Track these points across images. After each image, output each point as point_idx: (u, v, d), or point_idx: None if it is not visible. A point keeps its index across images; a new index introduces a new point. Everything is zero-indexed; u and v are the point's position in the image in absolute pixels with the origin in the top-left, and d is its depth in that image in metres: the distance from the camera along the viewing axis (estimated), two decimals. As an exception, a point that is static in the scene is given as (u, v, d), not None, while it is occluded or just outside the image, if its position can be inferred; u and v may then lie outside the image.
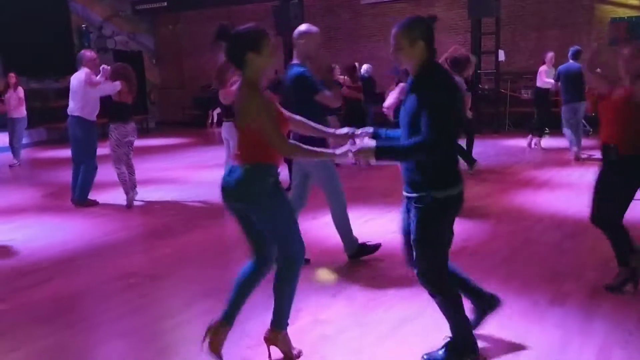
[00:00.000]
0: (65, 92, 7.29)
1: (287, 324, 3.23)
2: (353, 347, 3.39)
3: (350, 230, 4.87)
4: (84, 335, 3.71)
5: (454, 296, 3.13)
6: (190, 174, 9.58)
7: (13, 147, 11.55)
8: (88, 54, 7.40)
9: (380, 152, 2.95)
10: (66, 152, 13.03)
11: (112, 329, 3.79)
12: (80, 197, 7.37)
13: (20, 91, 11.30)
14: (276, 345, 3.22)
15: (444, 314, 3.16)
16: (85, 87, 7.08)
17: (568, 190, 7.31)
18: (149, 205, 7.36)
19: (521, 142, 11.85)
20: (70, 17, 16.28)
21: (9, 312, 4.14)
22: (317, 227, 5.77)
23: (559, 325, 3.57)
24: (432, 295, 3.11)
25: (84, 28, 16.55)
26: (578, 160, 9.38)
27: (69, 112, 7.28)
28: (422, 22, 2.99)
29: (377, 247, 4.95)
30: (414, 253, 3.05)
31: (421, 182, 2.97)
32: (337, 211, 4.80)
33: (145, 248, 5.65)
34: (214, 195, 7.59)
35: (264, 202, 3.04)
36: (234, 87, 7.44)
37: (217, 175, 8.96)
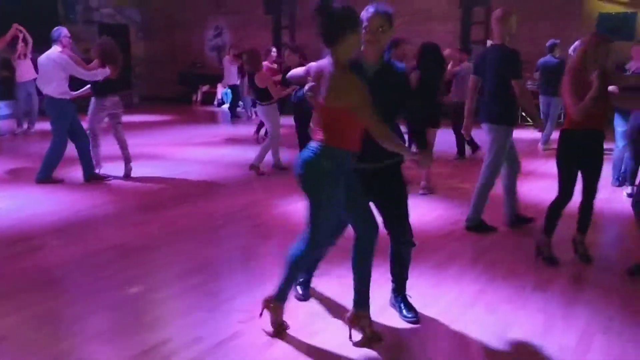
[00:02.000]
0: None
1: (366, 306, 3.25)
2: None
3: (485, 203, 5.23)
4: (74, 305, 3.72)
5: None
6: (175, 151, 9.51)
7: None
8: (65, 30, 7.14)
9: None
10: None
11: (102, 299, 3.79)
12: (44, 174, 7.07)
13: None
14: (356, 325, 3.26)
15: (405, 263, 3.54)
16: (56, 66, 6.84)
17: (553, 180, 7.40)
18: (136, 180, 7.32)
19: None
20: (55, -13, 15.94)
21: (-3, 279, 4.13)
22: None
23: (542, 310, 3.67)
24: (408, 243, 3.46)
25: (69, -1, 16.22)
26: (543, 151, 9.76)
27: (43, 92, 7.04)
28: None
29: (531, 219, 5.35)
30: (395, 216, 3.40)
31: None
32: (484, 183, 5.23)
33: (134, 221, 5.63)
34: (201, 172, 7.68)
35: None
36: (268, 70, 7.44)
37: (202, 153, 9.03)
